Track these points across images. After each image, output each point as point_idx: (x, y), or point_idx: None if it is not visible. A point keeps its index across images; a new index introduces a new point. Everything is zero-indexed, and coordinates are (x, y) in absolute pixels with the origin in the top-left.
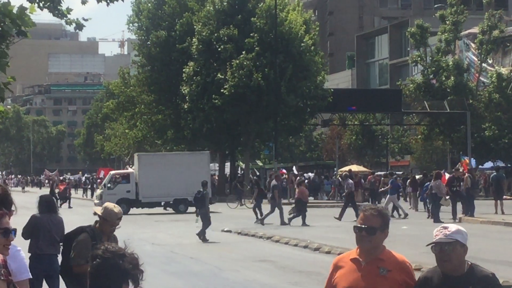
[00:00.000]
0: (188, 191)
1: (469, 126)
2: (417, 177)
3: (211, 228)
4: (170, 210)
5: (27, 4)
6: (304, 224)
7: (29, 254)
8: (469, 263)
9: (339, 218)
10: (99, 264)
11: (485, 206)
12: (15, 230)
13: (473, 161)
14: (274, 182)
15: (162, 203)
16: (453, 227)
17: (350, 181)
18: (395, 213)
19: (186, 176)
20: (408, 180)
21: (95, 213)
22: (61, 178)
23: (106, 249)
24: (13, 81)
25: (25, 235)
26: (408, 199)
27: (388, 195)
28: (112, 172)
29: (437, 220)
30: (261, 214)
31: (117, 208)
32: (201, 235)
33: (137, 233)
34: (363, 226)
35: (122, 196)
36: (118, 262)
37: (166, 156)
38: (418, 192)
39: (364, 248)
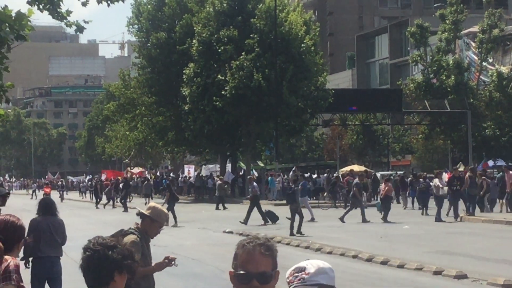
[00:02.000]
0: None
1: (469, 125)
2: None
3: (212, 229)
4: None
5: (26, 7)
6: (385, 221)
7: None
8: None
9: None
10: (89, 256)
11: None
12: (26, 239)
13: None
14: (356, 180)
15: None
16: (312, 266)
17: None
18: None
19: None
20: (397, 179)
21: (138, 214)
22: (45, 181)
23: (97, 242)
24: (12, 87)
25: (30, 238)
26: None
27: (300, 198)
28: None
29: (438, 219)
30: (174, 217)
31: (164, 209)
32: (298, 229)
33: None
34: (252, 272)
35: None
36: (107, 253)
37: None
38: (407, 192)
39: None
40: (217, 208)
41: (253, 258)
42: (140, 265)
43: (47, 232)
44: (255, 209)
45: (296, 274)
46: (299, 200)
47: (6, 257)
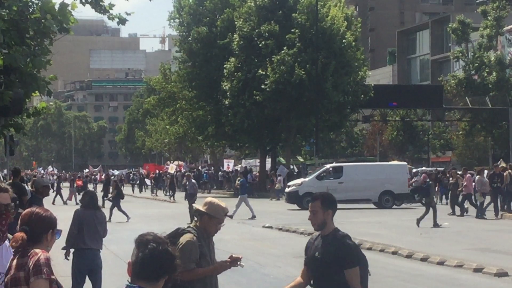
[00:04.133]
0: None
1: (511, 122)
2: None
3: (252, 224)
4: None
5: (69, 1)
6: (481, 216)
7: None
8: None
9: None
10: (154, 248)
11: None
12: (60, 231)
13: None
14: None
15: None
16: None
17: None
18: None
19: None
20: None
21: (195, 211)
22: (78, 174)
23: (156, 236)
24: (55, 80)
25: (75, 230)
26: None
27: (240, 196)
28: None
29: (481, 216)
30: (110, 215)
31: (222, 203)
32: (434, 222)
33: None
34: None
35: None
36: (168, 248)
37: None
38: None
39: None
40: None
41: None
42: (200, 266)
43: (92, 224)
44: (243, 203)
45: None
46: (432, 195)
47: (37, 250)
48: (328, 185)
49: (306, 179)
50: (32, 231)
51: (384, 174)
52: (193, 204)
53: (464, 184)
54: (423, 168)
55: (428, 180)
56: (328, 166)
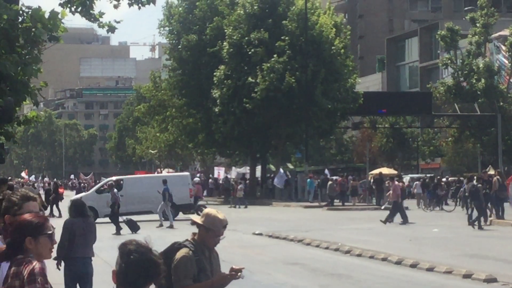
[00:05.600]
0: None
1: (499, 129)
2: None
3: (242, 231)
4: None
5: (58, 9)
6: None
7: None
8: None
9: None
10: (136, 259)
11: None
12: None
13: None
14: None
15: None
16: None
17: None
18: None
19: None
20: (417, 182)
21: (193, 223)
22: (59, 182)
23: (139, 244)
24: (45, 86)
25: (66, 241)
26: (417, 200)
27: (162, 202)
28: None
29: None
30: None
31: (221, 215)
32: (478, 224)
33: (168, 236)
34: None
35: None
36: (151, 256)
37: None
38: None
39: None
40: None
41: None
42: (198, 281)
43: (81, 233)
44: (165, 210)
45: None
46: (481, 198)
47: (32, 260)
48: (109, 199)
49: (87, 193)
50: (13, 241)
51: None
52: (191, 216)
53: (390, 192)
54: (417, 175)
55: (476, 183)
56: (108, 179)
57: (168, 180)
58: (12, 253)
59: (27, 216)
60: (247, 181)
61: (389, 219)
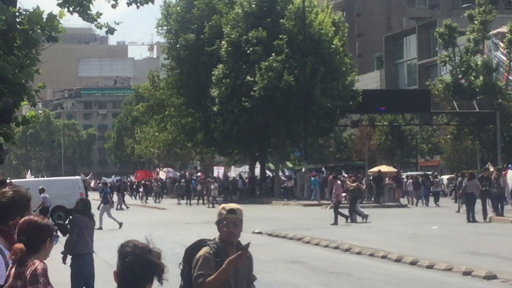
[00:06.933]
0: None
1: (498, 126)
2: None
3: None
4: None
5: (57, 9)
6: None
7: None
8: None
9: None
10: (132, 261)
11: None
12: (58, 237)
13: None
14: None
15: None
16: None
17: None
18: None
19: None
20: (410, 180)
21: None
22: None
23: (135, 246)
24: (43, 88)
25: (75, 236)
26: (409, 197)
27: (102, 205)
28: None
29: (473, 219)
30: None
31: (231, 204)
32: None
33: (168, 236)
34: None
35: None
36: (148, 257)
37: None
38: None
39: None
40: None
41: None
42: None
43: (89, 230)
44: (105, 213)
45: None
46: None
47: (35, 260)
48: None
49: None
50: (30, 241)
51: (54, 189)
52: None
53: (334, 191)
54: (411, 173)
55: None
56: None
57: (58, 185)
58: (31, 254)
59: (37, 218)
60: (246, 180)
61: (349, 218)
